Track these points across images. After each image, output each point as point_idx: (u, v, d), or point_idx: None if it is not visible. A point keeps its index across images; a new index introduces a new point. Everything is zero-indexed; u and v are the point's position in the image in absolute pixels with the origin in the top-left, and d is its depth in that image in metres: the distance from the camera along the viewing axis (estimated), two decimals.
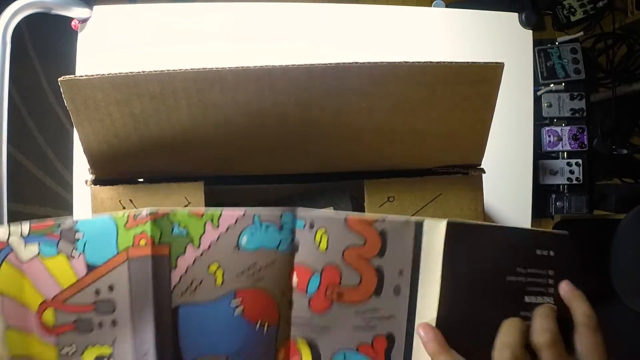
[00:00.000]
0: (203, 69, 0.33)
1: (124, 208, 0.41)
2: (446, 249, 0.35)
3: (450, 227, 0.35)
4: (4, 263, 0.36)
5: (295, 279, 0.37)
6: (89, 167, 0.41)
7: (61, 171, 0.81)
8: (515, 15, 0.68)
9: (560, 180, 0.85)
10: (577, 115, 0.85)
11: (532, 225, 0.65)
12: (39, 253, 0.36)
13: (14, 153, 0.67)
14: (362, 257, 0.37)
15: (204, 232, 0.36)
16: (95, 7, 0.63)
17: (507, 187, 0.65)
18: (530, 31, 0.68)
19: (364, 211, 0.42)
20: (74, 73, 0.63)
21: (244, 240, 0.36)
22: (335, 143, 0.39)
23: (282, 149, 0.39)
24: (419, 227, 0.36)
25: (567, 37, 0.95)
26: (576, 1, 1.16)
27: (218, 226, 0.36)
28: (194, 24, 0.65)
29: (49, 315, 0.37)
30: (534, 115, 0.67)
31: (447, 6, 0.74)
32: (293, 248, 0.37)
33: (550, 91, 0.85)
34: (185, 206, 0.42)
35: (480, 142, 0.40)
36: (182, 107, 0.36)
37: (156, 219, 0.35)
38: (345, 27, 0.66)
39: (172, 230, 0.35)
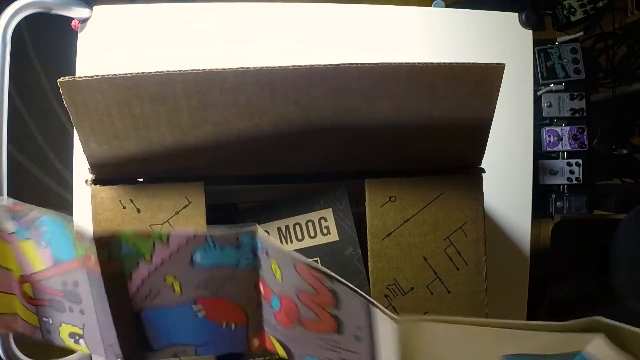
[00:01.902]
0: (203, 70, 0.33)
1: (124, 208, 0.41)
2: (402, 349, 0.31)
3: (403, 329, 0.30)
4: None
5: (261, 288, 0.37)
6: (89, 167, 0.41)
7: (61, 171, 0.81)
8: (515, 15, 0.68)
9: (560, 180, 0.86)
10: (577, 115, 0.85)
11: (532, 226, 0.65)
12: (15, 232, 0.37)
13: (14, 153, 0.67)
14: (318, 304, 0.35)
15: (154, 249, 0.36)
16: (95, 7, 0.63)
17: (507, 187, 0.65)
18: (530, 31, 0.68)
19: (364, 211, 0.42)
20: (74, 73, 0.63)
21: (197, 257, 0.36)
22: (335, 143, 0.39)
23: (282, 150, 0.39)
24: (372, 310, 0.32)
25: (567, 37, 0.95)
26: (576, 1, 1.16)
27: (168, 244, 0.36)
28: (193, 24, 0.65)
29: (28, 288, 0.38)
30: (534, 115, 0.67)
31: (447, 6, 0.74)
32: (255, 265, 0.37)
33: (550, 91, 0.85)
34: (185, 206, 0.42)
35: (481, 142, 0.40)
36: (182, 108, 0.36)
37: (101, 242, 0.35)
38: (346, 27, 0.66)
39: (121, 248, 0.36)
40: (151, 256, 0.36)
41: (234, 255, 0.37)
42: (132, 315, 0.37)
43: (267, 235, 0.36)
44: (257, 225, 0.36)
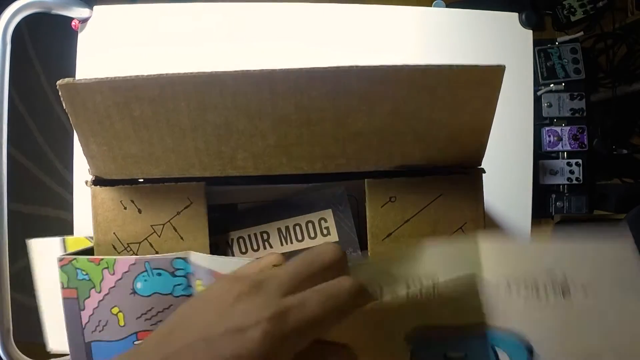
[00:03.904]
0: (202, 72, 0.33)
1: (125, 209, 0.41)
2: None
3: None
4: None
5: None
6: (88, 168, 0.41)
7: (61, 171, 0.81)
8: (515, 15, 0.68)
9: (560, 180, 0.85)
10: (577, 115, 0.85)
11: (532, 225, 0.65)
12: None
13: (14, 153, 0.67)
14: None
15: (102, 278, 0.39)
16: (95, 7, 0.63)
17: (507, 187, 0.65)
18: (530, 31, 0.68)
19: (364, 212, 0.42)
20: (74, 73, 0.63)
21: (138, 285, 0.38)
22: (335, 144, 0.39)
23: (282, 150, 0.39)
24: None
25: (567, 37, 0.95)
26: (576, 1, 1.16)
27: (114, 273, 0.39)
28: (194, 24, 0.65)
29: None
30: (534, 115, 0.67)
31: (447, 6, 0.74)
32: (189, 293, 0.38)
33: (550, 91, 0.85)
34: (187, 206, 0.42)
35: (481, 143, 0.40)
36: (182, 110, 0.36)
37: (63, 266, 0.39)
38: (346, 27, 0.66)
39: (77, 275, 0.39)
40: (100, 285, 0.39)
41: (169, 282, 0.38)
42: (84, 346, 0.39)
43: (196, 254, 0.38)
44: (190, 252, 0.38)
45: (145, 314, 0.39)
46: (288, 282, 0.27)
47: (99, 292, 0.39)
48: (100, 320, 0.39)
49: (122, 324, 0.39)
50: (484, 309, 0.29)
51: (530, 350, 0.29)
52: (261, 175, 0.42)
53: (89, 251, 0.42)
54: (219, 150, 0.39)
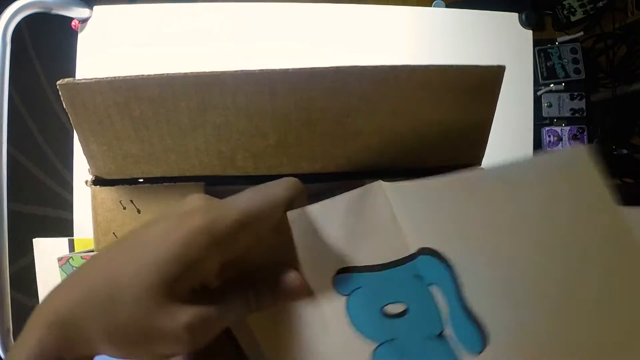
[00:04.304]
0: (202, 72, 0.33)
1: (124, 209, 0.41)
2: None
3: None
4: None
5: None
6: (88, 167, 0.41)
7: (61, 171, 0.81)
8: (515, 15, 0.68)
9: None
10: (577, 115, 0.85)
11: None
12: None
13: (14, 153, 0.67)
14: None
15: None
16: (95, 7, 0.63)
17: None
18: (530, 31, 0.68)
19: None
20: (74, 73, 0.63)
21: None
22: (335, 144, 0.39)
23: (282, 150, 0.39)
24: None
25: (567, 37, 0.95)
26: (576, 1, 1.16)
27: None
28: (194, 24, 0.65)
29: None
30: (534, 115, 0.67)
31: (447, 6, 0.74)
32: None
33: (550, 91, 0.85)
34: None
35: (481, 143, 0.40)
36: (182, 109, 0.36)
37: (62, 265, 0.39)
38: (346, 27, 0.66)
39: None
40: None
41: None
42: None
43: None
44: None
45: None
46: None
47: None
48: None
49: None
50: (405, 238, 0.27)
51: (446, 263, 0.26)
52: (261, 175, 0.42)
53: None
54: (219, 150, 0.39)
